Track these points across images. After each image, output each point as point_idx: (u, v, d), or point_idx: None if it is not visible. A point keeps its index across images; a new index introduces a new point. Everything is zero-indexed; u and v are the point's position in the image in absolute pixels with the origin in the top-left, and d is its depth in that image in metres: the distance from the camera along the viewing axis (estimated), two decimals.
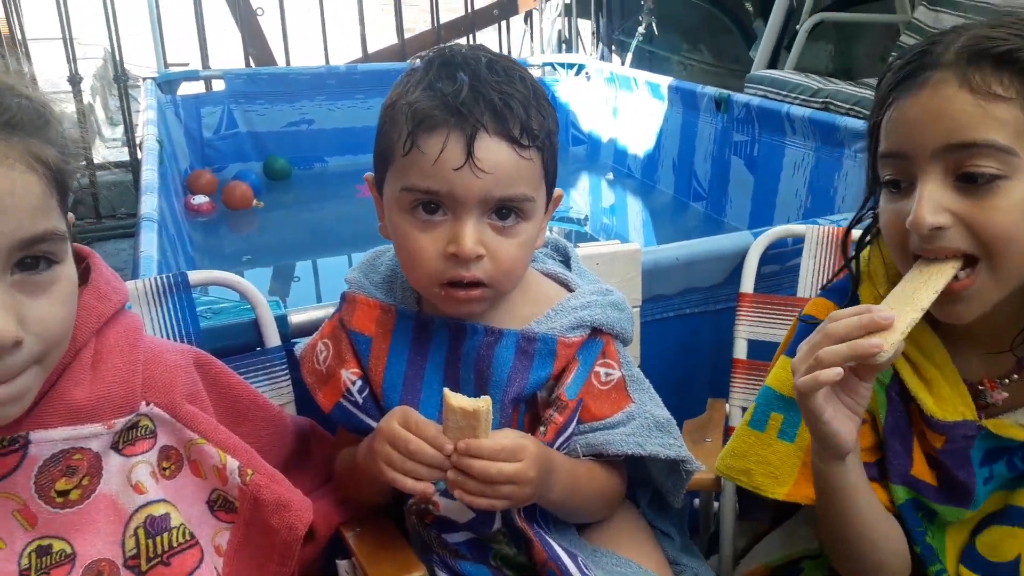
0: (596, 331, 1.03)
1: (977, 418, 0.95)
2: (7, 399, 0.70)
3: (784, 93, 3.03)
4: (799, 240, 1.42)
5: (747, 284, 1.41)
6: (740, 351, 1.40)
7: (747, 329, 1.40)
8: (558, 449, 0.98)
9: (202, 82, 3.89)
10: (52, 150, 0.71)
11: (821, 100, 2.86)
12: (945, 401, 0.95)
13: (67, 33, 3.48)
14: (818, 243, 1.39)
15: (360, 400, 1.01)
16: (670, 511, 1.18)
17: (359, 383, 1.01)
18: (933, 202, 0.84)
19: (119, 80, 3.70)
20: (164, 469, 0.86)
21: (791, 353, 1.03)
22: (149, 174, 2.02)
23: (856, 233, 1.07)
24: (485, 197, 0.90)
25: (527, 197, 0.93)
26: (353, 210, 3.86)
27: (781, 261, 1.49)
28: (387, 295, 1.04)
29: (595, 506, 1.04)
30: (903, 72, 0.88)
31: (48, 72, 4.47)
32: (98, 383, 0.80)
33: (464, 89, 0.89)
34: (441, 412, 0.88)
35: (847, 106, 2.77)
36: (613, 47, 5.32)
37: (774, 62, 3.83)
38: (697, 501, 1.35)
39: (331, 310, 1.20)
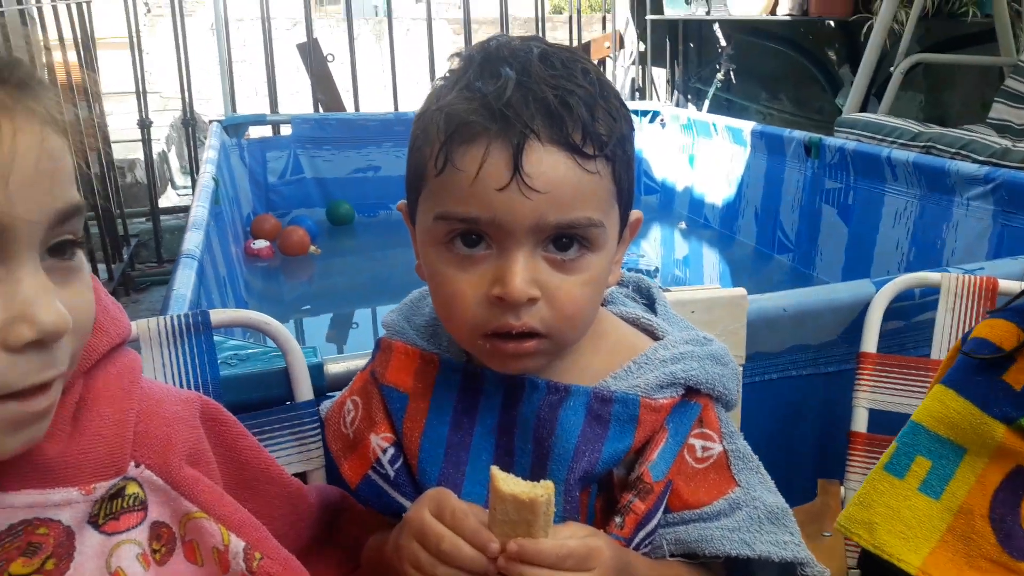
0: (691, 392, 0.81)
1: None
2: (48, 411, 0.57)
3: (880, 137, 2.79)
4: (928, 291, 1.23)
5: (869, 342, 1.19)
6: (860, 423, 1.18)
7: (869, 396, 1.18)
8: (638, 548, 0.76)
9: (269, 127, 3.87)
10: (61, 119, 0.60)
11: (922, 144, 2.62)
12: None
13: (139, 75, 3.49)
14: (956, 295, 1.17)
15: (392, 473, 0.81)
16: None
17: (391, 451, 0.81)
18: None
19: (187, 124, 3.69)
20: (155, 552, 0.67)
21: (951, 382, 0.84)
22: (199, 211, 1.90)
23: None
24: (538, 224, 0.70)
25: (593, 222, 0.72)
26: (412, 259, 3.76)
27: (907, 317, 1.28)
28: (430, 343, 0.85)
29: None
30: None
31: (124, 121, 4.55)
32: (78, 436, 0.63)
33: (509, 87, 0.70)
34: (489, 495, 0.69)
35: (952, 150, 2.52)
36: (689, 95, 5.15)
37: (863, 110, 3.61)
38: None
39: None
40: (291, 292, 3.45)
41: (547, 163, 0.69)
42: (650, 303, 0.92)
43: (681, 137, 3.95)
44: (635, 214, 0.83)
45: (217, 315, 0.97)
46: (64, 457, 0.61)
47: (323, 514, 0.87)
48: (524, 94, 0.70)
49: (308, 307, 3.26)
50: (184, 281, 1.39)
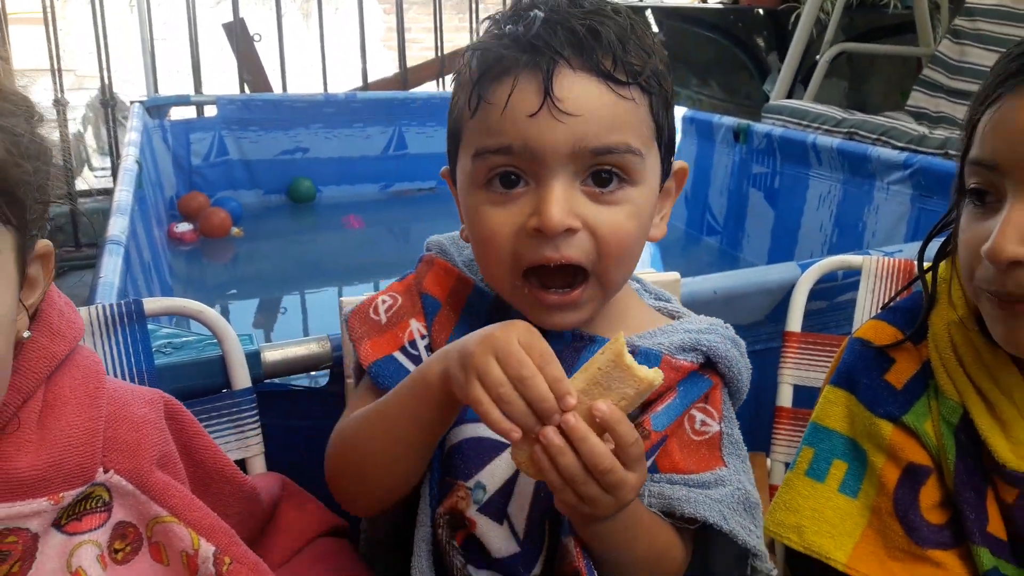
0: (707, 367, 0.84)
1: None
2: None
3: (806, 123, 2.88)
4: (851, 273, 1.27)
5: (794, 322, 1.24)
6: (784, 398, 1.23)
7: (793, 373, 1.23)
8: None
9: (194, 108, 3.77)
10: None
11: (845, 130, 2.71)
12: (1022, 447, 0.80)
13: (54, 54, 3.35)
14: (877, 276, 1.22)
15: (424, 356, 0.81)
16: None
17: (427, 339, 0.82)
18: (1020, 230, 0.69)
19: (106, 105, 3.56)
20: (116, 552, 0.67)
21: (840, 383, 0.90)
22: (122, 195, 1.85)
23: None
24: (575, 150, 0.71)
25: (632, 149, 0.72)
26: (344, 243, 3.72)
27: (830, 297, 1.33)
28: (468, 271, 0.86)
29: (645, 569, 0.80)
30: (1018, 63, 0.72)
31: (39, 100, 4.36)
32: (47, 447, 0.62)
33: (537, 22, 0.71)
34: None
35: (874, 136, 2.62)
36: None
37: (790, 96, 3.71)
38: None
39: (314, 346, 1.04)
40: (215, 276, 3.38)
41: (578, 88, 0.70)
42: (669, 302, 0.94)
43: None
44: (679, 164, 0.83)
45: (150, 303, 0.95)
46: (34, 470, 0.61)
47: (269, 507, 0.87)
48: (552, 27, 0.71)
49: (234, 291, 3.21)
50: (111, 268, 1.35)
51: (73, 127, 4.60)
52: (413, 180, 4.11)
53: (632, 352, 0.76)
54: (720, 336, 0.84)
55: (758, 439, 1.28)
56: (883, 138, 2.57)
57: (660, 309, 0.92)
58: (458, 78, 0.78)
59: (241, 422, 0.97)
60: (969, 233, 0.76)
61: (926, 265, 0.91)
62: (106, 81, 3.57)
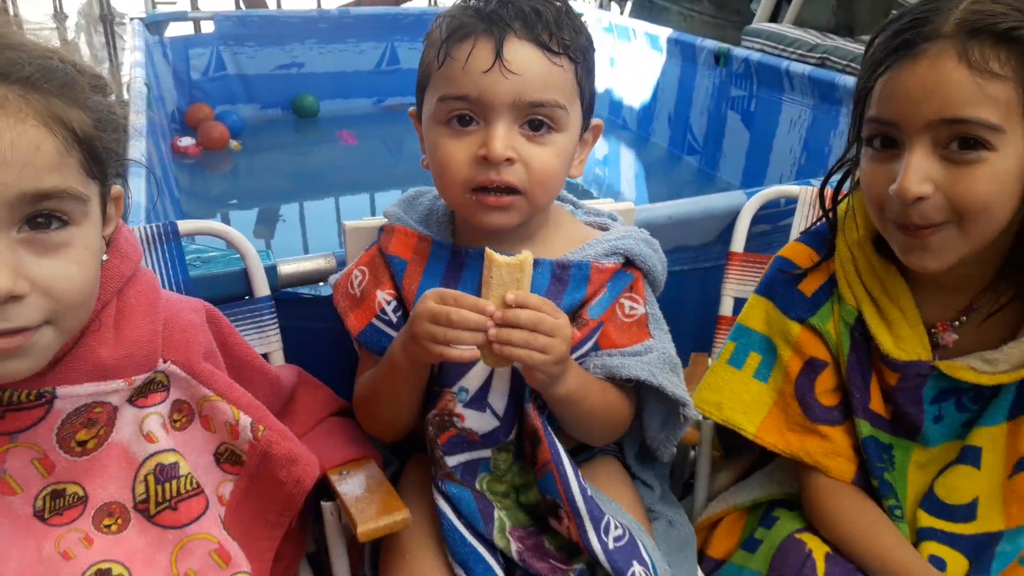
0: (628, 264, 1.05)
1: (931, 359, 0.99)
2: (9, 350, 0.69)
3: (782, 48, 2.99)
4: (792, 201, 1.43)
5: (737, 243, 1.42)
6: (726, 308, 1.42)
7: (734, 287, 1.42)
8: None
9: (191, 24, 3.82)
10: (79, 114, 0.71)
11: (818, 56, 2.83)
12: (903, 341, 0.99)
13: None
14: (810, 204, 1.39)
15: (394, 319, 1.02)
16: (654, 464, 1.20)
17: (394, 303, 1.03)
18: (920, 172, 0.85)
19: (105, 19, 3.62)
20: (175, 421, 0.88)
21: (763, 292, 1.10)
22: (137, 118, 1.98)
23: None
24: (515, 101, 0.91)
25: (559, 104, 0.93)
26: (339, 156, 3.84)
27: (773, 221, 1.50)
28: (424, 228, 1.05)
29: (601, 421, 1.04)
30: (900, 39, 0.87)
31: (33, 10, 4.38)
32: (121, 342, 0.80)
33: (495, 1, 0.91)
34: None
35: (844, 62, 2.74)
36: None
37: (776, 15, 3.77)
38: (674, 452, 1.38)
39: (321, 262, 1.22)
40: (216, 187, 3.52)
41: (522, 53, 0.91)
42: (613, 219, 1.15)
43: (603, 39, 4.06)
44: (596, 121, 1.04)
45: (184, 225, 1.12)
46: (113, 359, 0.80)
47: (289, 391, 1.08)
48: (505, 4, 0.92)
49: (234, 202, 3.35)
50: (138, 190, 1.51)
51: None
52: (405, 95, 4.20)
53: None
54: (635, 240, 1.06)
55: (704, 343, 1.49)
56: (852, 64, 2.69)
57: (591, 223, 1.12)
58: (429, 38, 0.97)
59: (262, 324, 1.16)
60: (872, 175, 0.92)
61: (835, 200, 1.08)
62: None
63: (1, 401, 0.75)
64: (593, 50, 0.99)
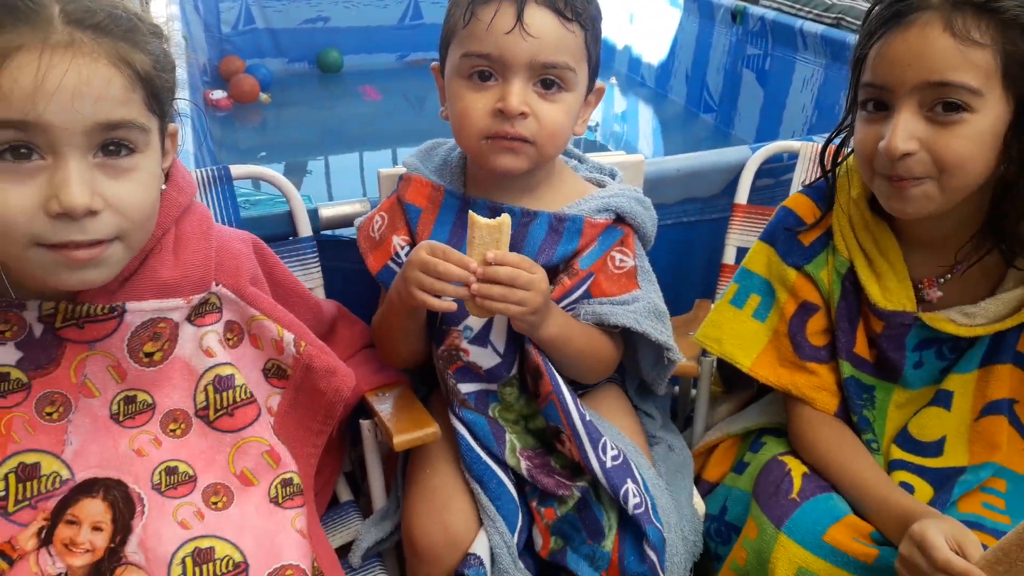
0: (620, 221, 1.16)
1: (916, 311, 1.09)
2: (86, 261, 0.80)
3: (798, 7, 3.03)
4: (794, 156, 1.52)
5: (741, 196, 1.51)
6: (729, 257, 1.52)
7: (737, 237, 1.51)
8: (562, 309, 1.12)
9: None
10: (142, 56, 0.81)
11: (833, 16, 2.87)
12: (891, 292, 1.10)
13: None
14: (811, 159, 1.48)
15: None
16: (655, 397, 1.32)
17: (407, 248, 1.15)
18: (907, 131, 0.95)
19: None
20: (228, 339, 0.99)
21: (766, 239, 1.20)
22: (179, 72, 2.09)
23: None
24: (531, 62, 1.01)
25: (569, 66, 1.04)
26: (362, 110, 3.93)
27: (775, 175, 1.59)
28: (439, 178, 1.17)
29: (587, 361, 1.16)
30: (892, 9, 0.96)
31: None
32: (180, 265, 0.92)
33: None
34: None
35: (858, 22, 2.78)
36: None
37: None
38: (677, 388, 1.50)
39: (357, 206, 1.34)
40: (246, 140, 3.63)
41: (539, 17, 1.02)
42: (612, 175, 1.26)
43: None
44: (599, 84, 1.14)
45: (236, 170, 1.24)
46: (173, 279, 0.92)
47: (329, 319, 1.20)
48: None
49: (264, 154, 3.45)
50: (187, 139, 1.63)
51: None
52: (428, 50, 4.27)
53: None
54: (626, 198, 1.17)
55: (708, 290, 1.60)
56: None
57: (591, 179, 1.22)
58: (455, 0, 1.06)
59: (305, 261, 1.28)
60: (864, 135, 1.02)
61: (835, 160, 1.17)
62: None
63: (80, 314, 0.87)
64: (601, 19, 1.09)
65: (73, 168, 0.76)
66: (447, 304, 1.01)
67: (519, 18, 1.00)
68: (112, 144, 0.79)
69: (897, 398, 1.16)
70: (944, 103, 0.93)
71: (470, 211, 1.00)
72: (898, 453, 1.14)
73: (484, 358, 1.13)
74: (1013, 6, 0.90)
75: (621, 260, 1.16)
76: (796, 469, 1.12)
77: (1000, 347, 1.11)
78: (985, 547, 0.90)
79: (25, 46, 0.73)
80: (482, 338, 1.13)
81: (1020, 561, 0.84)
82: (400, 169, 1.25)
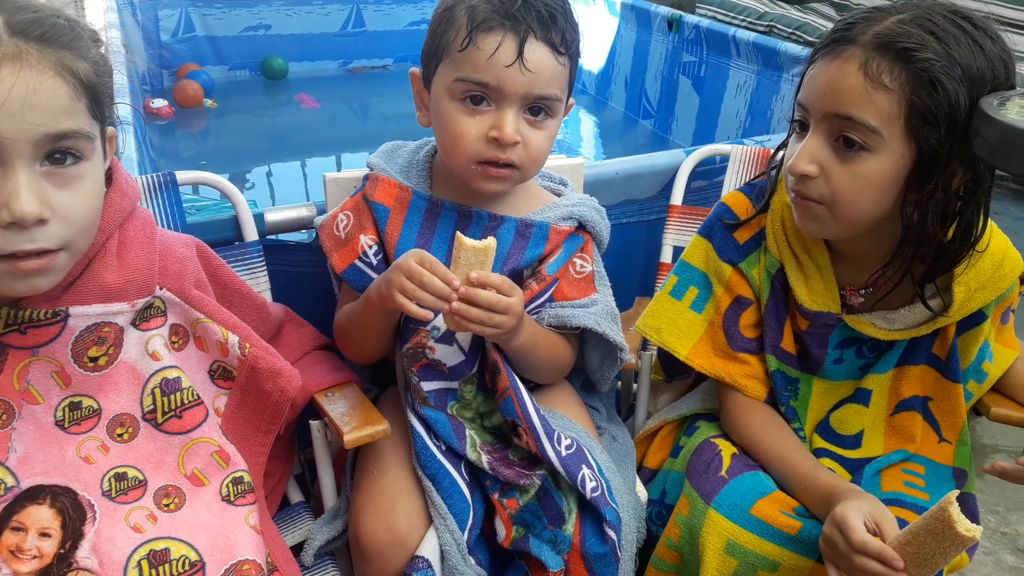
0: (581, 228, 1.22)
1: (840, 312, 1.16)
2: (34, 270, 0.81)
3: (732, 15, 3.14)
4: (726, 159, 1.58)
5: (676, 197, 1.57)
6: (666, 256, 1.57)
7: (674, 236, 1.58)
8: (528, 314, 1.16)
9: None
10: (84, 64, 0.82)
11: (766, 24, 2.99)
12: (817, 294, 1.16)
13: None
14: (741, 161, 1.55)
15: (374, 262, 1.18)
16: (599, 392, 1.37)
17: (375, 247, 1.18)
18: (811, 154, 1.02)
19: None
20: (173, 343, 1.00)
21: (704, 234, 1.26)
22: (119, 78, 2.07)
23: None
24: (527, 93, 1.06)
25: (557, 97, 1.09)
26: (305, 118, 3.92)
27: (709, 177, 1.66)
28: (405, 179, 1.20)
29: (547, 365, 1.22)
30: (832, 38, 1.03)
31: None
32: (124, 269, 0.93)
33: (518, 1, 1.05)
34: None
35: (789, 30, 2.90)
36: None
37: None
38: (619, 382, 1.55)
39: (303, 211, 1.36)
40: (188, 149, 3.59)
41: (537, 52, 1.06)
42: (564, 184, 1.32)
43: None
44: (571, 100, 1.19)
45: (182, 175, 1.25)
46: (117, 283, 0.92)
47: (276, 321, 1.22)
48: (527, 5, 1.06)
49: (204, 163, 3.43)
50: (130, 146, 1.63)
51: None
52: (371, 57, 4.28)
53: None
54: (587, 207, 1.23)
55: (647, 288, 1.65)
56: (797, 32, 2.86)
57: (549, 188, 1.28)
58: (448, 16, 1.08)
59: (252, 266, 1.30)
60: (789, 150, 1.08)
61: (770, 163, 1.23)
62: None
63: (23, 319, 0.87)
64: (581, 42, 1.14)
65: (22, 178, 0.78)
66: (425, 313, 1.04)
67: (520, 53, 1.04)
68: (59, 153, 0.81)
69: (818, 388, 1.23)
70: (845, 137, 0.99)
71: (457, 232, 1.04)
72: (820, 442, 1.21)
73: (449, 356, 1.17)
74: (926, 59, 0.94)
75: (581, 265, 1.22)
76: (726, 450, 1.18)
77: (915, 350, 1.18)
78: (904, 523, 0.97)
79: None
80: (448, 337, 1.17)
81: (926, 545, 0.91)
82: (349, 173, 1.27)
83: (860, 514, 0.96)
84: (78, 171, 0.83)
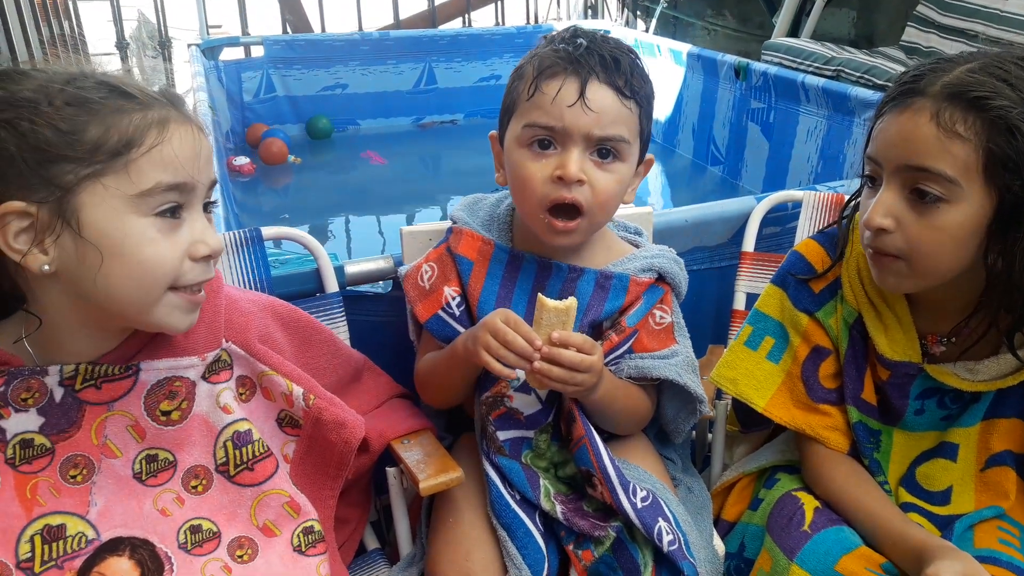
0: (660, 279, 1.23)
1: (922, 362, 1.13)
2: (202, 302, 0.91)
3: (799, 61, 3.13)
4: (798, 204, 1.57)
5: (748, 244, 1.56)
6: (739, 303, 1.56)
7: (747, 284, 1.56)
8: (606, 365, 1.17)
9: (242, 48, 4.06)
10: None
11: (833, 68, 2.97)
12: (896, 344, 1.13)
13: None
14: (814, 207, 1.54)
15: (457, 313, 1.21)
16: (673, 443, 1.36)
17: (458, 299, 1.21)
18: (885, 207, 1.00)
19: (163, 45, 3.87)
20: (241, 394, 1.04)
21: (778, 283, 1.25)
22: (211, 140, 2.19)
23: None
24: (590, 133, 1.08)
25: (624, 139, 1.10)
26: (381, 173, 4.05)
27: (781, 223, 1.65)
28: (487, 232, 1.23)
29: (625, 417, 1.22)
30: (899, 89, 1.02)
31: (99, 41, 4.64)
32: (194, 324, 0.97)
33: (582, 47, 1.09)
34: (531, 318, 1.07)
35: (857, 75, 2.88)
36: (638, 12, 5.38)
37: (796, 28, 3.90)
38: (694, 432, 1.53)
39: (381, 263, 1.40)
40: (270, 202, 3.75)
41: (600, 94, 1.09)
42: (639, 234, 1.33)
43: None
44: (649, 156, 1.21)
45: (267, 231, 1.31)
46: (186, 338, 0.97)
47: (355, 366, 1.26)
48: (590, 51, 1.10)
49: (286, 216, 3.56)
50: (219, 203, 1.72)
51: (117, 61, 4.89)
52: (442, 112, 4.40)
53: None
54: (666, 259, 1.24)
55: (719, 335, 1.64)
56: (866, 76, 2.83)
57: (626, 239, 1.30)
58: (519, 72, 1.14)
59: (332, 316, 1.34)
60: (863, 205, 1.07)
61: (842, 212, 1.22)
62: (162, 22, 3.87)
63: (99, 374, 0.92)
64: (654, 97, 1.16)
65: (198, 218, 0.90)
66: (508, 372, 1.06)
67: (582, 93, 1.07)
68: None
69: (899, 439, 1.19)
70: (919, 189, 0.97)
71: (539, 294, 1.06)
72: (907, 497, 1.17)
73: (527, 405, 1.19)
74: (1002, 106, 0.93)
75: (661, 316, 1.23)
76: (808, 503, 1.15)
77: (1004, 402, 1.14)
78: None
79: (171, 118, 0.85)
80: (527, 386, 1.18)
81: None
82: (424, 226, 1.31)
83: (954, 574, 0.93)
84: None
